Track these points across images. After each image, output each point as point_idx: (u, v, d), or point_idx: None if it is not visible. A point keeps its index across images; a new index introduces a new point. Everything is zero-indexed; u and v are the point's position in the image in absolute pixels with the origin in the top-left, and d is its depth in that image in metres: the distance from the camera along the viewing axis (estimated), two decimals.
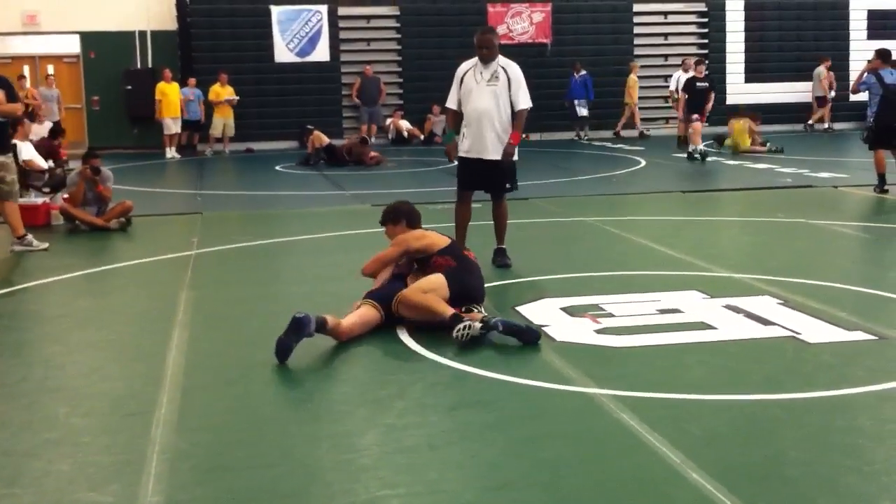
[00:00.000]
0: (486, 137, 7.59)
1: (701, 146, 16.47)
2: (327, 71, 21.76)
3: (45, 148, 12.73)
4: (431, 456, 3.90)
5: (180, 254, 8.61)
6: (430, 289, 5.71)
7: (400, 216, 6.31)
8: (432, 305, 5.60)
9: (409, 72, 21.98)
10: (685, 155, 16.61)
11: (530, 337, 5.40)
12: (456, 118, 7.88)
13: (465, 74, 7.69)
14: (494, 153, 7.64)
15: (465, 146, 7.74)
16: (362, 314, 5.68)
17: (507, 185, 7.92)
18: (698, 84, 16.82)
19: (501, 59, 7.66)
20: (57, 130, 13.43)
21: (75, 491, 3.63)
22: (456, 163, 8.00)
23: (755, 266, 7.61)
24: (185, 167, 18.46)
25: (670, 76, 21.02)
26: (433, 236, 6.15)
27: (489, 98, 7.55)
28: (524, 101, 7.64)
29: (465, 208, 7.96)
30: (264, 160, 18.75)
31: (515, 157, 7.86)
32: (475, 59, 7.68)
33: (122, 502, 3.51)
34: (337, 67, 21.89)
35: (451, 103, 7.83)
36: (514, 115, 7.67)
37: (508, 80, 7.58)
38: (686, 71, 18.98)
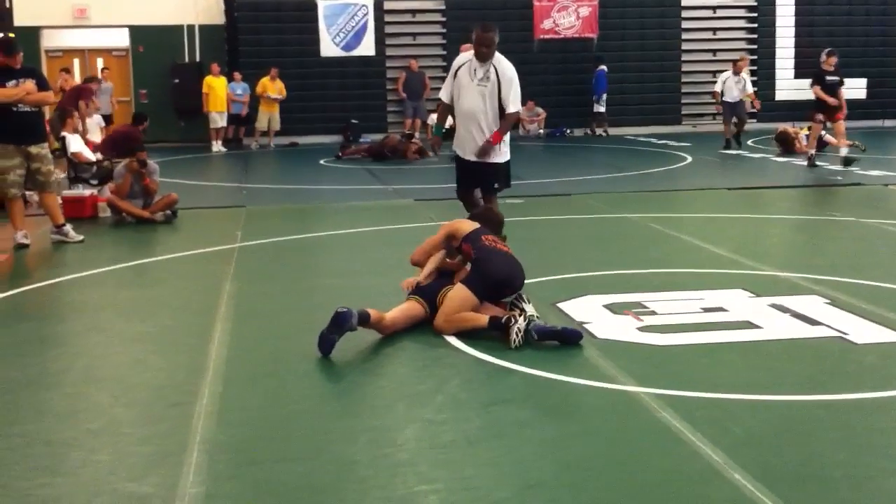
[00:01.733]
0: (470, 138, 7.47)
1: (845, 149, 14.50)
2: (372, 65, 21.82)
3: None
4: (468, 452, 3.88)
5: (224, 247, 8.67)
6: (456, 309, 5.55)
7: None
8: (466, 324, 5.50)
9: None
10: (805, 163, 14.76)
11: (570, 338, 5.32)
12: (446, 111, 7.77)
13: (459, 69, 7.53)
14: (476, 154, 7.51)
15: (455, 143, 7.65)
16: (406, 308, 5.67)
17: (496, 185, 7.67)
18: (828, 78, 14.60)
19: (495, 58, 7.45)
20: (142, 117, 13.56)
21: (115, 481, 3.65)
22: (432, 156, 7.90)
23: (802, 265, 7.49)
24: (230, 161, 18.62)
25: (718, 73, 20.36)
26: (464, 222, 6.10)
27: (477, 98, 7.41)
28: (514, 105, 7.44)
29: (469, 207, 7.65)
30: (308, 154, 18.85)
31: (504, 159, 7.62)
32: (471, 54, 7.52)
33: (161, 493, 3.52)
34: (382, 62, 21.94)
35: (443, 96, 7.71)
36: (504, 115, 7.47)
37: (499, 81, 7.39)
38: (737, 73, 18.01)
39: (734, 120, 18.12)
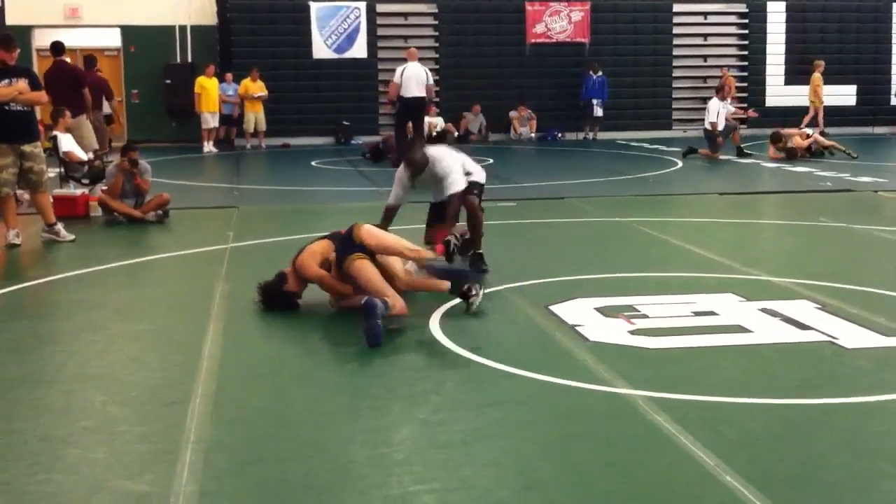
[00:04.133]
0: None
1: None
2: (364, 67, 21.83)
3: None
4: (465, 452, 3.90)
5: (216, 247, 8.68)
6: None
7: None
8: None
9: (446, 69, 21.99)
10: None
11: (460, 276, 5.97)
12: (392, 215, 7.42)
13: (403, 180, 7.39)
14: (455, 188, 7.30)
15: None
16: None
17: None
18: None
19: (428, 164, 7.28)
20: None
21: (111, 478, 3.67)
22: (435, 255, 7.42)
23: (793, 270, 7.54)
24: (222, 161, 18.61)
25: (709, 98, 19.05)
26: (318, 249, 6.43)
27: (436, 188, 7.43)
28: (455, 185, 7.24)
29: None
30: (300, 155, 18.86)
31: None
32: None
33: (156, 491, 3.54)
34: (374, 64, 21.95)
35: (394, 200, 7.43)
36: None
37: (439, 173, 7.27)
38: (723, 99, 17.50)
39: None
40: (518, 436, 4.08)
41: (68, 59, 13.68)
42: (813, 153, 16.91)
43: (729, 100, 18.03)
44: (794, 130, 17.56)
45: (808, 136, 17.18)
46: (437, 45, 22.29)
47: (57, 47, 13.19)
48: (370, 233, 6.11)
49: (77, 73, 13.15)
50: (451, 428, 4.15)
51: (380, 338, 5.32)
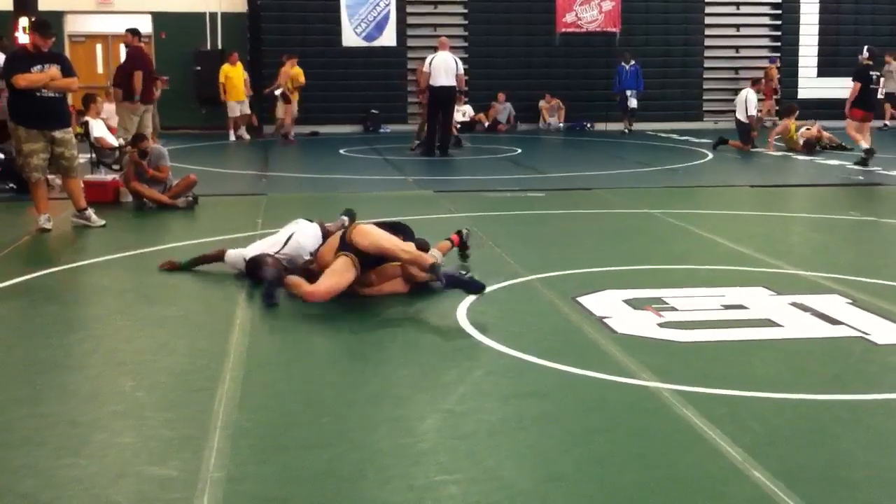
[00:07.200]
0: None
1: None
2: (394, 56, 21.81)
3: None
4: (490, 443, 3.89)
5: (245, 234, 8.69)
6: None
7: None
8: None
9: (476, 58, 21.94)
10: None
11: (474, 288, 5.86)
12: None
13: None
14: None
15: None
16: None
17: None
18: None
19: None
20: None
21: (138, 464, 3.69)
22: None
23: (824, 264, 7.46)
24: (251, 149, 18.66)
25: (741, 88, 18.65)
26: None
27: None
28: None
29: None
30: (329, 143, 18.89)
31: None
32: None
33: (183, 476, 3.55)
34: (403, 52, 21.94)
35: None
36: None
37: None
38: (758, 91, 17.54)
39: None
40: (543, 427, 4.07)
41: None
42: (824, 146, 16.87)
43: (762, 93, 17.91)
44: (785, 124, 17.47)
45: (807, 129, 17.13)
46: (466, 33, 22.24)
47: (136, 32, 13.23)
48: (363, 234, 6.12)
49: (150, 63, 13.18)
50: (476, 418, 4.14)
51: (272, 299, 6.02)
